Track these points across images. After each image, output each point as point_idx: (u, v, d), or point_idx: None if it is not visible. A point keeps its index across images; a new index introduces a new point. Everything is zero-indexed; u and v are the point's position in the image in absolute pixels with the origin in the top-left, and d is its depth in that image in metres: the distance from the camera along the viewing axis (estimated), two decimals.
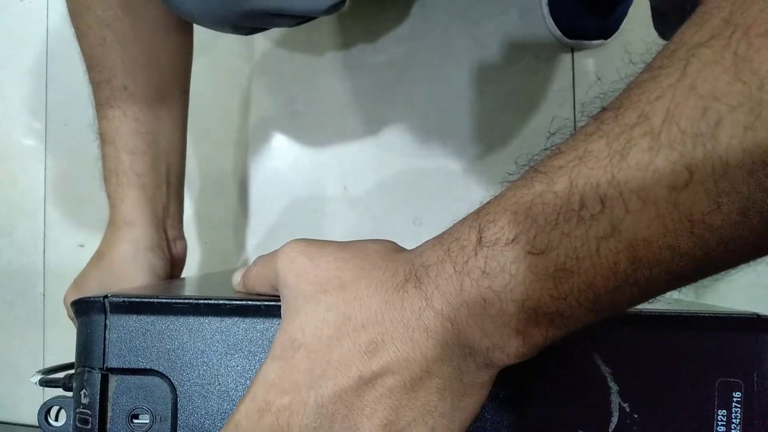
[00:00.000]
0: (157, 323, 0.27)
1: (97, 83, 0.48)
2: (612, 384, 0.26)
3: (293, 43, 0.84)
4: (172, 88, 0.51)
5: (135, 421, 0.27)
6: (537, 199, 0.20)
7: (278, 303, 0.26)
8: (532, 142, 0.76)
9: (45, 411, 0.29)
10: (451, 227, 0.23)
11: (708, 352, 0.26)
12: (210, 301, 0.27)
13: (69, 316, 0.42)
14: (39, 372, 0.32)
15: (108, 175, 0.49)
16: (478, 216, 0.21)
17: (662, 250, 0.18)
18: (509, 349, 0.21)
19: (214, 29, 0.46)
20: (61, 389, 0.31)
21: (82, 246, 0.89)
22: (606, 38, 0.73)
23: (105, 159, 0.49)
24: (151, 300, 0.27)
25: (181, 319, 0.27)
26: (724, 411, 0.26)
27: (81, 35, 0.48)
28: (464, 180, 0.78)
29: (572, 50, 0.76)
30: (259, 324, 0.27)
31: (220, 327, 0.27)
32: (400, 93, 0.80)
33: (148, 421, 0.27)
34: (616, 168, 0.18)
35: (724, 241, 0.18)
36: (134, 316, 0.27)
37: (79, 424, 0.27)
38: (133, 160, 0.48)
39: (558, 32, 0.74)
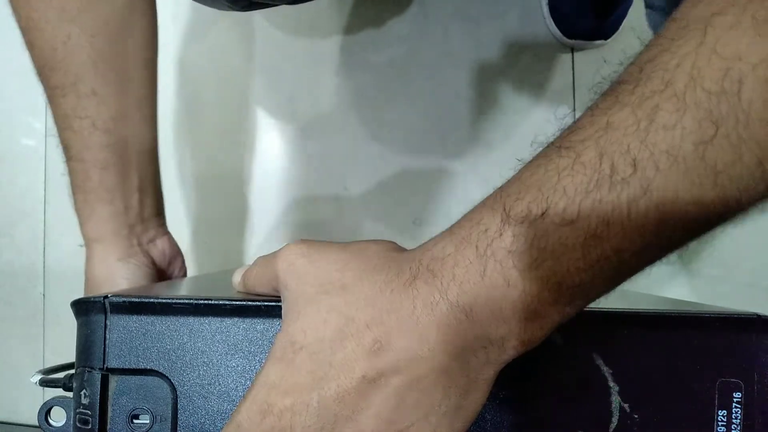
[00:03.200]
0: (158, 323, 0.27)
1: (57, 87, 0.42)
2: (612, 384, 0.26)
3: (294, 41, 0.84)
4: (142, 80, 0.45)
5: (135, 421, 0.27)
6: (565, 172, 0.20)
7: (279, 303, 0.26)
8: (532, 142, 0.76)
9: (45, 411, 0.29)
10: (462, 218, 0.23)
11: (708, 352, 0.26)
12: (210, 302, 0.27)
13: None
14: (39, 372, 0.32)
15: (75, 191, 0.44)
16: (499, 198, 0.22)
17: (688, 206, 0.19)
18: (525, 335, 0.21)
19: (210, 5, 0.42)
20: (61, 389, 0.30)
21: (82, 246, 0.88)
22: (606, 38, 0.73)
23: (71, 174, 0.44)
24: (152, 300, 0.27)
25: (182, 320, 0.27)
26: (724, 411, 0.26)
27: (32, 29, 0.41)
28: (464, 180, 0.78)
29: (572, 50, 0.76)
30: (260, 324, 0.27)
31: (220, 327, 0.27)
32: (400, 92, 0.80)
33: (148, 422, 0.27)
34: (644, 132, 0.19)
35: (740, 190, 0.19)
36: (134, 317, 0.27)
37: (79, 425, 0.27)
38: (104, 175, 0.43)
39: (558, 32, 0.74)
